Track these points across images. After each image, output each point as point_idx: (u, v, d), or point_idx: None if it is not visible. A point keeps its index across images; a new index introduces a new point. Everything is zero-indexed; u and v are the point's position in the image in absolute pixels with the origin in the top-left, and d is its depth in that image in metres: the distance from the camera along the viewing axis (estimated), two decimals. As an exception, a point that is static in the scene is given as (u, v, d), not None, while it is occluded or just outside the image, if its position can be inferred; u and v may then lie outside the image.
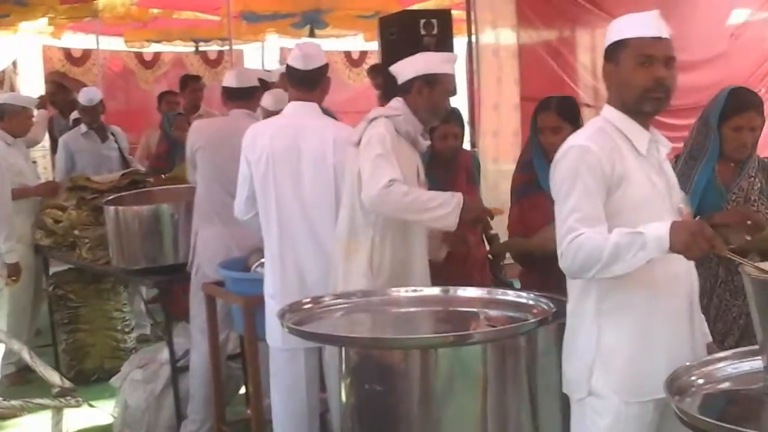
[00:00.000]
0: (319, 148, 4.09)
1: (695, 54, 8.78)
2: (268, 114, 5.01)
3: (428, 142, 4.04)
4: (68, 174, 6.94)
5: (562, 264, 2.66)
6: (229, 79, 5.20)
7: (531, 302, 3.25)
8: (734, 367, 2.57)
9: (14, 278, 5.83)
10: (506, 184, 4.83)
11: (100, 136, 7.32)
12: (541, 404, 3.16)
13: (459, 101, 4.83)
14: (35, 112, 7.19)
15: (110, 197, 5.81)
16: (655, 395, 2.54)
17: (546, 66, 8.74)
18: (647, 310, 2.70)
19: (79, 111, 7.43)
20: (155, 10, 11.03)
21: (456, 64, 4.02)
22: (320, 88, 4.23)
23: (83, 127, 7.29)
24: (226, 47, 12.59)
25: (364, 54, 14.03)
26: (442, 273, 4.02)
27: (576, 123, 3.92)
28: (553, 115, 4.04)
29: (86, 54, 13.07)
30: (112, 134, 7.41)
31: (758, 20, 10.08)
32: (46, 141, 9.07)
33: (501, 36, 8.77)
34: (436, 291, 3.54)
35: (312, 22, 11.38)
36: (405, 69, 3.88)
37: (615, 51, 2.74)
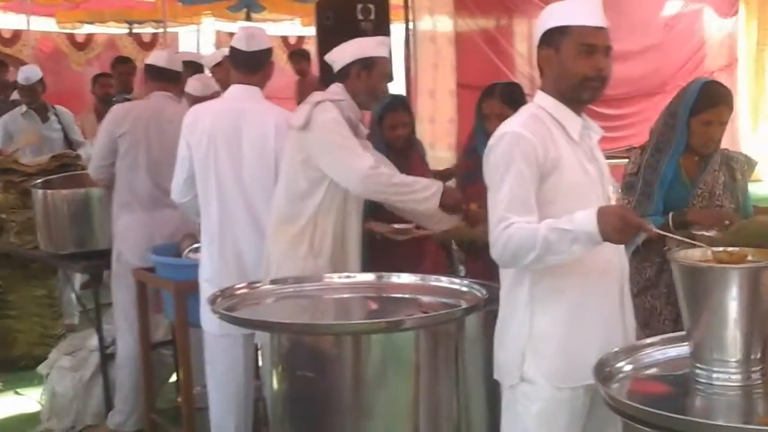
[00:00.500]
0: (261, 133, 4.06)
1: (629, 44, 8.88)
2: (196, 100, 4.95)
3: (367, 131, 4.02)
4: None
5: (493, 253, 2.66)
6: (159, 58, 5.10)
7: (464, 289, 3.26)
8: (662, 352, 2.60)
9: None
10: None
11: (41, 116, 7.13)
12: (468, 391, 3.18)
13: (396, 88, 4.81)
14: None
15: (39, 180, 5.69)
16: (586, 381, 2.55)
17: (482, 53, 8.79)
18: (579, 295, 2.71)
19: (17, 90, 7.24)
20: (88, -10, 10.85)
21: (390, 48, 4.02)
22: (263, 72, 4.21)
23: (23, 107, 7.09)
24: (161, 30, 12.43)
25: (301, 39, 13.95)
26: (395, 253, 4.04)
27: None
28: (497, 102, 4.05)
29: (16, 35, 12.79)
30: (56, 114, 7.22)
31: (691, 11, 10.26)
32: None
33: (438, 23, 8.80)
34: (370, 277, 3.54)
35: (248, 5, 11.30)
36: (340, 55, 3.88)
37: (555, 37, 2.72)
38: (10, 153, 6.45)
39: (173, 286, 4.30)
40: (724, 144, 3.81)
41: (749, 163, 3.85)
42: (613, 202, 2.85)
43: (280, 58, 13.67)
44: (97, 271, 5.27)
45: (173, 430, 4.64)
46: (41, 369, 5.37)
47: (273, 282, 3.48)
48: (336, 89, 3.84)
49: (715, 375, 2.35)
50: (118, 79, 8.00)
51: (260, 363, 4.30)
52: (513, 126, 2.72)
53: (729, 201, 3.69)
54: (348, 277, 3.55)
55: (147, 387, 4.81)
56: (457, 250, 4.55)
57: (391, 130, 4.50)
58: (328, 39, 6.49)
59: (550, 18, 2.75)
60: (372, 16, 6.77)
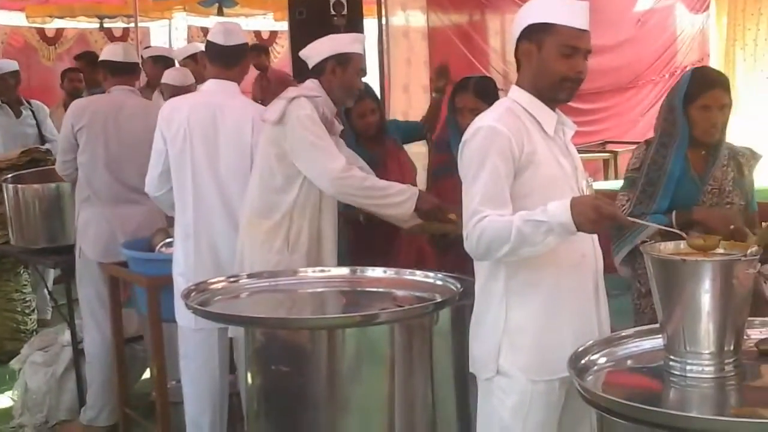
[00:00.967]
0: (238, 128, 4.05)
1: (602, 39, 8.92)
2: (175, 91, 4.92)
3: (342, 127, 4.02)
4: None
5: (467, 246, 2.67)
6: (114, 53, 5.00)
7: (438, 282, 3.27)
8: (636, 345, 2.61)
9: None
10: (416, 165, 4.85)
11: (14, 110, 7.02)
12: (439, 384, 3.19)
13: (370, 83, 4.81)
14: None
15: (9, 175, 5.64)
16: (561, 374, 2.56)
17: (456, 49, 8.79)
18: (554, 288, 2.72)
19: None
20: (58, -16, 10.74)
21: (365, 45, 4.02)
22: (239, 67, 4.19)
23: None
24: (132, 24, 12.33)
25: (274, 34, 13.87)
26: (368, 242, 4.07)
27: (493, 104, 3.93)
28: (470, 96, 4.04)
29: (-15, 29, 12.65)
30: (31, 110, 7.12)
31: (664, 6, 10.32)
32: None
33: (411, 18, 8.79)
34: (344, 271, 3.55)
35: (220, 0, 11.22)
36: (315, 51, 3.87)
37: (538, 33, 2.71)
38: None
39: (146, 280, 4.27)
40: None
41: (754, 157, 3.68)
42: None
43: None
44: (68, 265, 5.23)
45: (147, 424, 4.62)
46: (13, 364, 5.35)
47: (247, 276, 3.47)
48: (311, 85, 3.83)
49: (688, 367, 2.37)
50: (86, 76, 7.90)
51: (234, 357, 4.28)
52: (488, 120, 2.72)
53: (739, 197, 3.56)
54: (322, 271, 3.56)
55: (120, 382, 4.78)
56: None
57: (360, 118, 4.50)
58: (300, 34, 6.46)
59: (535, 12, 2.73)
60: (344, 12, 6.75)
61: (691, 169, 3.51)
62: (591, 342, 2.56)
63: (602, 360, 2.52)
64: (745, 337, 2.46)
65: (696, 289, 2.34)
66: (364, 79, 4.03)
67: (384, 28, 7.86)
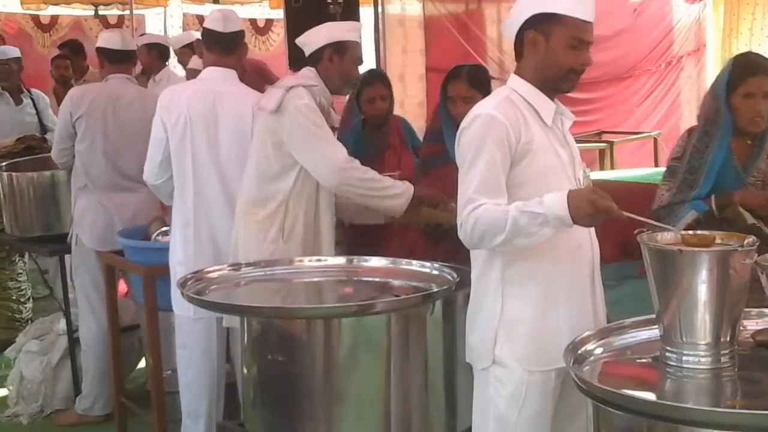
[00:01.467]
0: (238, 115, 4.04)
1: (598, 29, 8.87)
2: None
3: (339, 117, 4.01)
4: None
5: (461, 234, 2.66)
6: (112, 41, 4.96)
7: (435, 272, 3.27)
8: (632, 335, 2.61)
9: None
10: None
11: (15, 98, 6.98)
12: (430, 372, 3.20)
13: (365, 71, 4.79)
14: None
15: (4, 163, 5.62)
16: (557, 364, 2.56)
17: (451, 37, 8.78)
18: (550, 278, 2.72)
19: None
20: (53, -29, 10.69)
21: (361, 33, 4.00)
22: (237, 54, 4.18)
23: None
24: (127, 12, 12.28)
25: (270, 22, 13.84)
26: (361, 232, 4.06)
27: (487, 92, 3.91)
28: (463, 84, 4.02)
29: (-21, 15, 12.60)
30: (31, 98, 7.08)
31: (660, -4, 10.30)
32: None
33: (407, 6, 8.78)
34: (340, 261, 3.54)
35: (216, -13, 11.17)
36: (312, 39, 3.85)
37: (546, 23, 2.68)
38: None
39: (143, 269, 4.27)
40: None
41: None
42: (583, 186, 2.85)
43: (248, 40, 13.58)
44: (63, 254, 5.22)
45: (143, 413, 4.62)
46: (9, 353, 5.34)
47: (244, 265, 3.46)
48: (308, 73, 3.81)
49: (684, 358, 2.36)
50: (73, 64, 7.83)
51: (230, 346, 4.28)
52: (486, 108, 2.71)
53: None
54: (319, 260, 3.55)
55: (116, 371, 4.78)
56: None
57: (369, 103, 4.49)
58: (296, 22, 6.47)
59: (542, 1, 2.69)
60: (340, 0, 6.75)
61: (734, 159, 3.41)
62: (587, 332, 2.56)
63: (598, 350, 2.51)
64: (741, 327, 2.46)
65: (693, 280, 2.33)
66: (377, 67, 4.01)
67: (380, 16, 7.85)
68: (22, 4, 12.57)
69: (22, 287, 6.46)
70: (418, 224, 4.01)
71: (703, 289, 2.33)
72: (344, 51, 3.79)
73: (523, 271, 2.72)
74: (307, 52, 3.84)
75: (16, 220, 5.33)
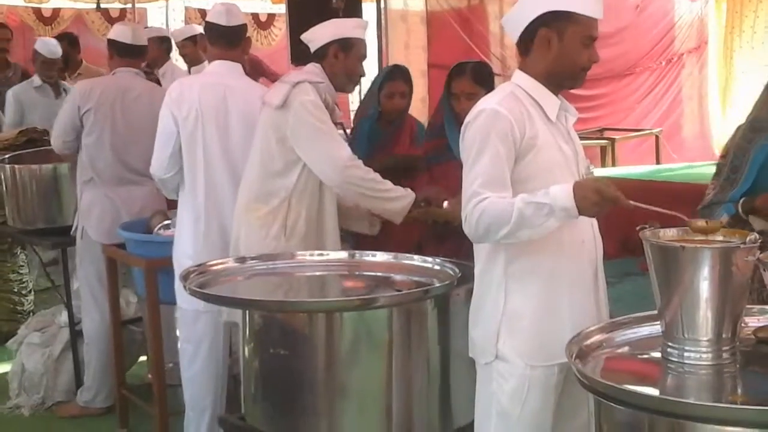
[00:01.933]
0: (248, 109, 4.02)
1: (600, 25, 8.92)
2: None
3: (341, 113, 4.00)
4: (16, 128, 6.57)
5: (466, 228, 2.67)
6: (124, 34, 4.96)
7: (437, 267, 3.27)
8: (634, 331, 2.62)
9: None
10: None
11: (55, 91, 6.98)
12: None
13: (369, 67, 4.80)
14: None
15: (7, 155, 5.62)
16: (560, 359, 2.56)
17: (454, 33, 8.78)
18: (553, 274, 2.73)
19: (38, 63, 7.02)
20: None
21: (366, 30, 4.00)
22: (240, 47, 4.18)
23: (36, 80, 6.85)
24: (129, 5, 12.29)
25: (272, 16, 13.86)
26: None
27: (490, 89, 3.90)
28: (467, 81, 4.01)
29: (-19, 8, 12.59)
30: (64, 90, 7.08)
31: (662, -7, 10.30)
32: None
33: (410, 2, 8.78)
34: (342, 255, 3.54)
35: (218, -19, 11.17)
36: (318, 35, 3.83)
37: (559, 21, 2.68)
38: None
39: (145, 262, 4.27)
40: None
41: None
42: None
43: (250, 34, 13.58)
44: (66, 246, 5.23)
45: (144, 406, 4.63)
46: (10, 345, 5.35)
47: (247, 259, 3.46)
48: (314, 69, 3.79)
49: (686, 354, 2.37)
50: (70, 57, 7.82)
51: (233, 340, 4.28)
52: (491, 103, 2.72)
53: None
54: (321, 255, 3.55)
55: (118, 364, 4.79)
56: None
57: (388, 98, 4.52)
58: (298, 17, 6.48)
59: None
60: (343, -6, 6.75)
61: None
62: (590, 328, 2.57)
63: (601, 346, 2.52)
64: (742, 324, 2.47)
65: (695, 276, 2.34)
66: (400, 63, 4.00)
67: (382, 11, 7.86)
68: (24, -4, 12.58)
69: (24, 279, 6.46)
70: (425, 221, 4.01)
71: (705, 286, 2.33)
72: (350, 48, 3.78)
73: (527, 267, 2.72)
74: (313, 48, 3.83)
75: (18, 212, 5.33)
